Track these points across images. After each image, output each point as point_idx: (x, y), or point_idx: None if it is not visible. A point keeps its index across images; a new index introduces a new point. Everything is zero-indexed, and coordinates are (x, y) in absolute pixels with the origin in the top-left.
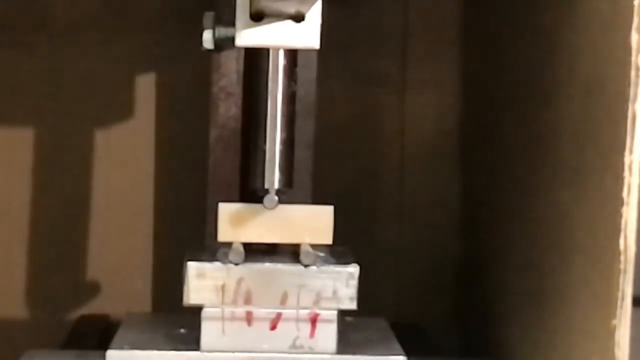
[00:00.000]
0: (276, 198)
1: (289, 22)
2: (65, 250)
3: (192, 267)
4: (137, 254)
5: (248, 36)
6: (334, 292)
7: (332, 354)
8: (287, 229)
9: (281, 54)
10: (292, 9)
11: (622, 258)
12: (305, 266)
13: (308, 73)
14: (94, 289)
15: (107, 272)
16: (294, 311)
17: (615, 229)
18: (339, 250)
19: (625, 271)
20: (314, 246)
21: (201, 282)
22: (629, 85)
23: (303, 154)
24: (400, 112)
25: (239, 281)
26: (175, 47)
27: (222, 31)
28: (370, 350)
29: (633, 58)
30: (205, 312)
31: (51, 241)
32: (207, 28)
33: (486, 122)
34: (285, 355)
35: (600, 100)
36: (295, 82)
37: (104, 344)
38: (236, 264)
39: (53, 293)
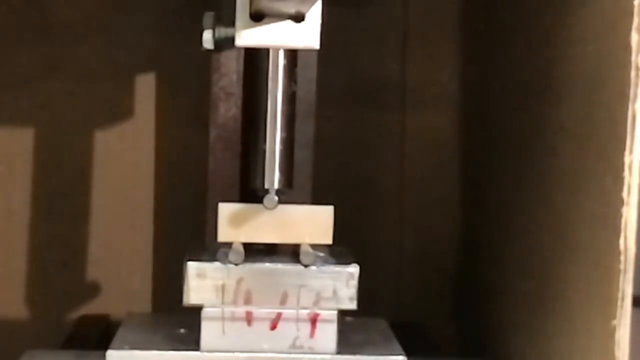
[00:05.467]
0: (276, 198)
1: (289, 22)
2: (65, 250)
3: (192, 267)
4: (137, 254)
5: (248, 36)
6: (334, 292)
7: (332, 354)
8: (287, 229)
9: (281, 54)
10: (292, 9)
11: (622, 258)
12: (305, 266)
13: (308, 73)
14: (94, 289)
15: (107, 272)
16: (294, 311)
17: (615, 229)
18: (339, 250)
19: (625, 271)
20: (314, 246)
21: (201, 282)
22: (629, 85)
23: (303, 154)
24: (400, 111)
25: (239, 281)
26: (175, 47)
27: (222, 31)
28: (370, 350)
29: (633, 58)
30: (205, 312)
31: (51, 241)
32: (207, 28)
33: (486, 122)
34: (285, 355)
35: (600, 100)
36: (295, 82)
37: (104, 344)
38: (236, 264)
39: (53, 293)
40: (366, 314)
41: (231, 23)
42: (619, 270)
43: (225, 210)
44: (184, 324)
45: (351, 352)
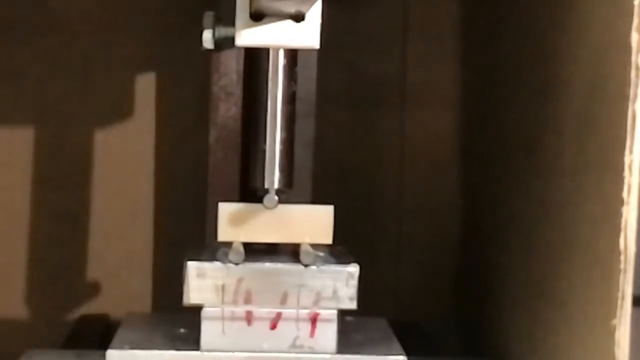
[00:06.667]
0: (276, 198)
1: (289, 21)
2: (65, 250)
3: (192, 266)
4: (137, 254)
5: (248, 36)
6: (334, 292)
7: (332, 353)
8: (287, 229)
9: (281, 53)
10: (292, 9)
11: (622, 258)
12: (305, 266)
13: (308, 73)
14: (94, 289)
15: (107, 272)
16: (294, 311)
17: (615, 229)
18: (338, 250)
19: (625, 271)
20: (314, 246)
21: (201, 281)
22: (629, 85)
23: (303, 154)
24: (400, 111)
25: (239, 281)
26: (175, 47)
27: (222, 31)
28: (370, 350)
29: (633, 58)
30: (205, 312)
31: (51, 241)
32: (207, 28)
33: (486, 122)
34: (285, 355)
35: (601, 100)
36: (295, 82)
37: (104, 344)
38: (236, 264)
39: (53, 293)
40: (366, 313)
41: (231, 23)
42: (619, 270)
43: (225, 210)
44: (184, 324)
45: (351, 352)
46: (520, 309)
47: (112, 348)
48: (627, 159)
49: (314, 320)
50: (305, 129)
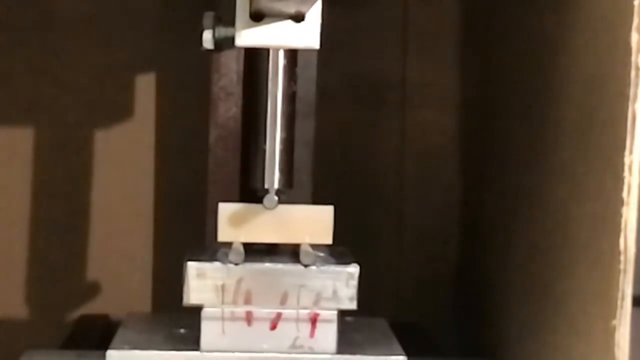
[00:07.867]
0: (276, 198)
1: (289, 22)
2: (65, 250)
3: (192, 267)
4: (137, 254)
5: (248, 36)
6: (334, 292)
7: (332, 354)
8: (287, 229)
9: (281, 54)
10: (292, 9)
11: (622, 258)
12: (305, 266)
13: (308, 73)
14: (94, 289)
15: (107, 272)
16: (294, 311)
17: (615, 229)
18: (338, 250)
19: (625, 271)
20: (314, 246)
21: (201, 282)
22: (629, 85)
23: (303, 154)
24: (400, 111)
25: (239, 281)
26: (175, 47)
27: (222, 31)
28: (370, 350)
29: (633, 58)
30: (205, 312)
31: (51, 241)
32: (207, 28)
33: (486, 122)
34: (285, 355)
35: (601, 100)
36: (295, 82)
37: (104, 344)
38: (236, 264)
39: (53, 293)
40: (366, 314)
41: (231, 23)
42: (619, 270)
43: (225, 210)
44: (184, 324)
45: (351, 352)
46: (521, 309)
47: (112, 348)
48: (627, 159)
49: (314, 320)
50: (305, 129)
